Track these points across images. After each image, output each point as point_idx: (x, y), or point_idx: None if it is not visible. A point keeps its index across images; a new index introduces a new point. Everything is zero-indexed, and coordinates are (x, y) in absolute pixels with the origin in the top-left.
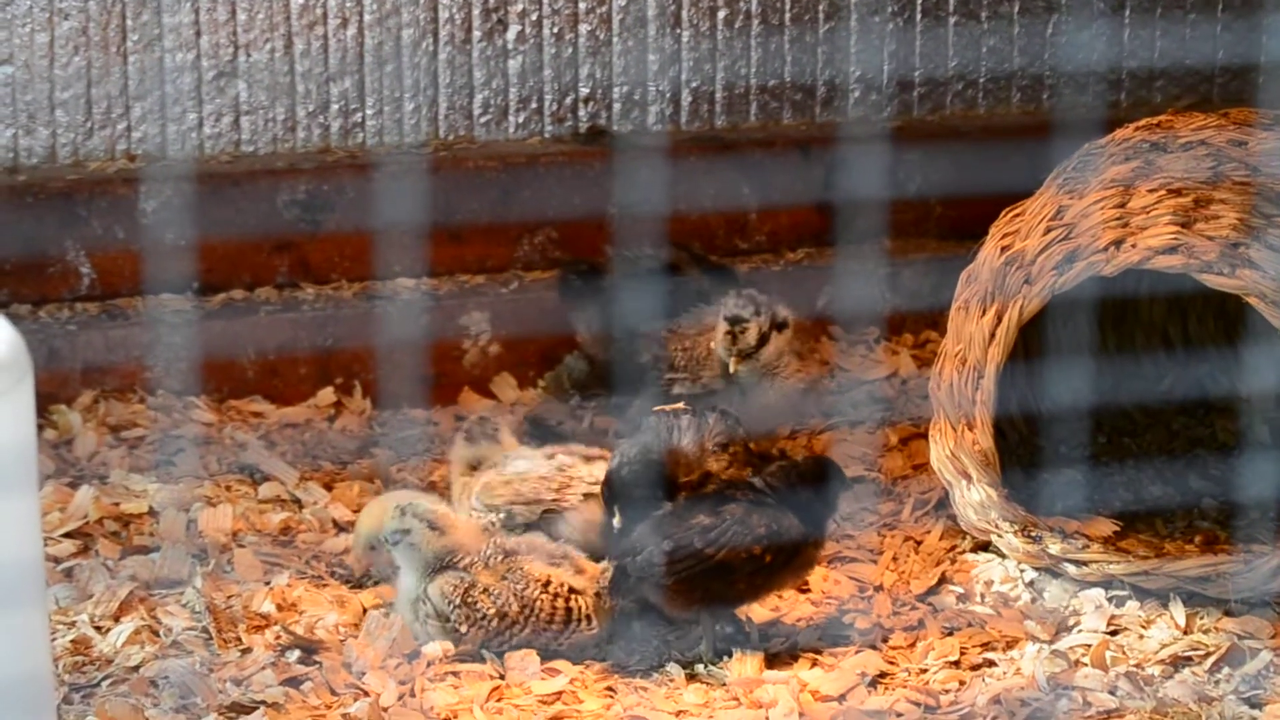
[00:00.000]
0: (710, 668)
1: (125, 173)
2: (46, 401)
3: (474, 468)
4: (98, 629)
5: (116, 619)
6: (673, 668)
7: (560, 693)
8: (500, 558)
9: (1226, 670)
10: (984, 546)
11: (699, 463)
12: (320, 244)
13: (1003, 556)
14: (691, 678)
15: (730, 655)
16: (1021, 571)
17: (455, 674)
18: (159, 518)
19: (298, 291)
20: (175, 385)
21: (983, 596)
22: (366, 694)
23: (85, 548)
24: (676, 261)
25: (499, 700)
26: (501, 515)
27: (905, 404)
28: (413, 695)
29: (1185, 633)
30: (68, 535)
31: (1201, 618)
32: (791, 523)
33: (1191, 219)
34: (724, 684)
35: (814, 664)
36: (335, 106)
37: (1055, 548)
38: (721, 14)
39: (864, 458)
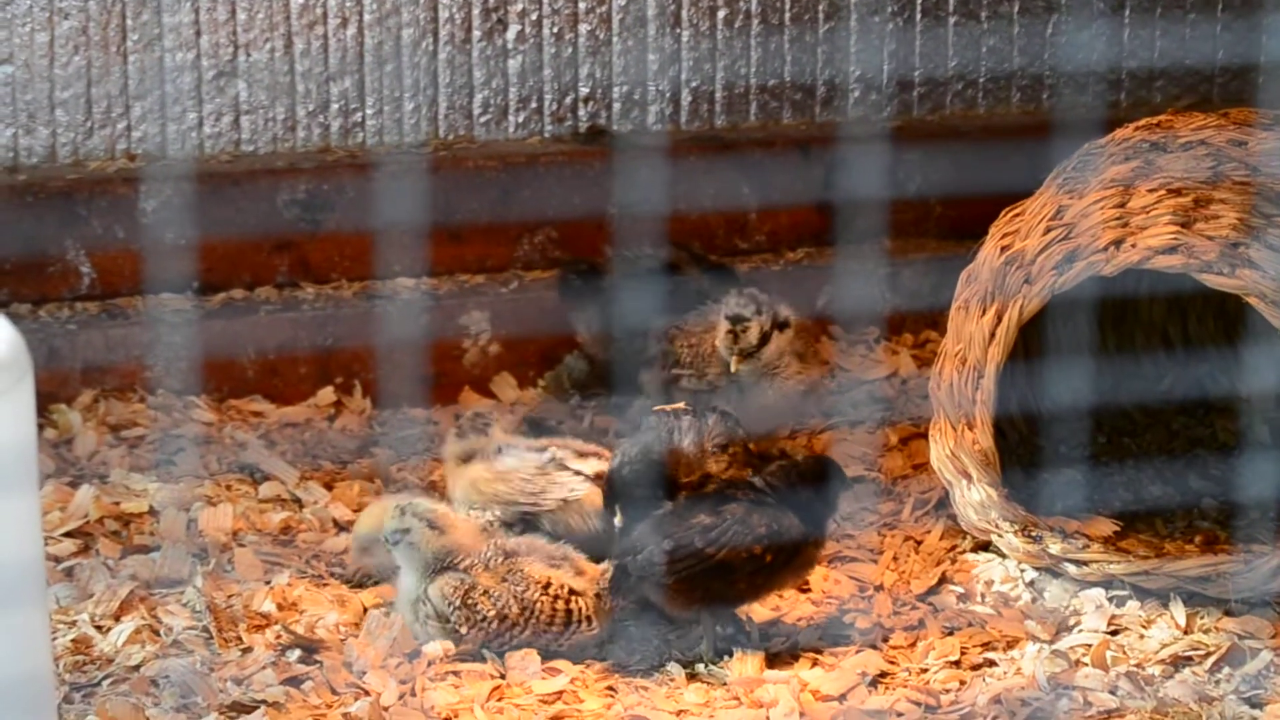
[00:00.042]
0: (711, 667)
1: (125, 172)
2: (47, 401)
3: (466, 460)
4: (98, 628)
5: (117, 618)
6: (673, 667)
7: (561, 692)
8: (500, 559)
9: (1227, 670)
10: (984, 546)
11: (699, 463)
12: (320, 243)
13: (1003, 556)
14: (692, 677)
15: (731, 655)
16: (1022, 571)
17: (456, 673)
18: (159, 517)
19: (298, 291)
20: (175, 384)
21: (983, 596)
22: (367, 693)
23: (86, 547)
24: (676, 261)
25: (499, 700)
26: (495, 513)
27: (905, 404)
28: (413, 695)
29: (1186, 632)
30: (68, 534)
31: (1202, 617)
32: (792, 522)
33: (1191, 219)
34: (724, 683)
35: (814, 663)
36: (335, 106)
37: (1055, 547)
38: (721, 14)
39: (864, 457)
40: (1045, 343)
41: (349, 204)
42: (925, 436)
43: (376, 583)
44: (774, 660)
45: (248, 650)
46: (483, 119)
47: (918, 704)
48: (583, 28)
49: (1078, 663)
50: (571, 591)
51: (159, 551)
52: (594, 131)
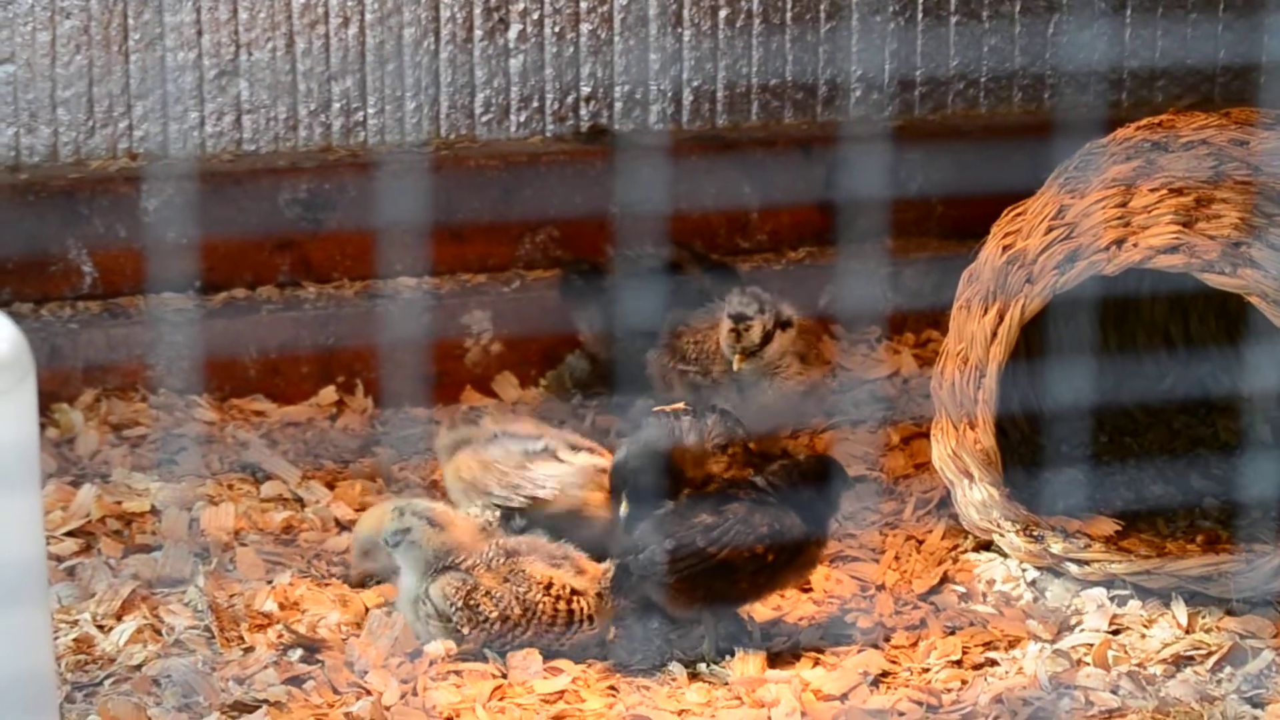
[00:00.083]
0: (712, 667)
1: (127, 171)
2: (48, 400)
3: (456, 451)
4: (100, 628)
5: (119, 618)
6: (675, 667)
7: (562, 692)
8: (502, 559)
9: (1228, 669)
10: (986, 546)
11: (701, 459)
12: (322, 243)
13: (1005, 556)
14: (694, 677)
15: (732, 654)
16: (1023, 571)
17: (458, 673)
18: (161, 516)
19: (299, 290)
20: (177, 384)
21: (985, 596)
22: (369, 693)
23: (87, 546)
24: (678, 260)
25: (501, 699)
26: (476, 506)
27: (907, 403)
28: (415, 694)
29: (1187, 632)
30: (70, 534)
31: (1203, 617)
32: (794, 522)
33: (1193, 218)
34: (726, 683)
35: (816, 663)
36: (337, 105)
37: (1057, 547)
38: (723, 13)
39: (866, 457)
40: (1047, 342)
41: (351, 203)
42: (927, 436)
43: (378, 582)
44: (776, 660)
45: (249, 650)
46: (484, 118)
47: (919, 703)
48: (584, 27)
49: (1079, 662)
50: (573, 591)
51: (161, 551)
52: (595, 131)
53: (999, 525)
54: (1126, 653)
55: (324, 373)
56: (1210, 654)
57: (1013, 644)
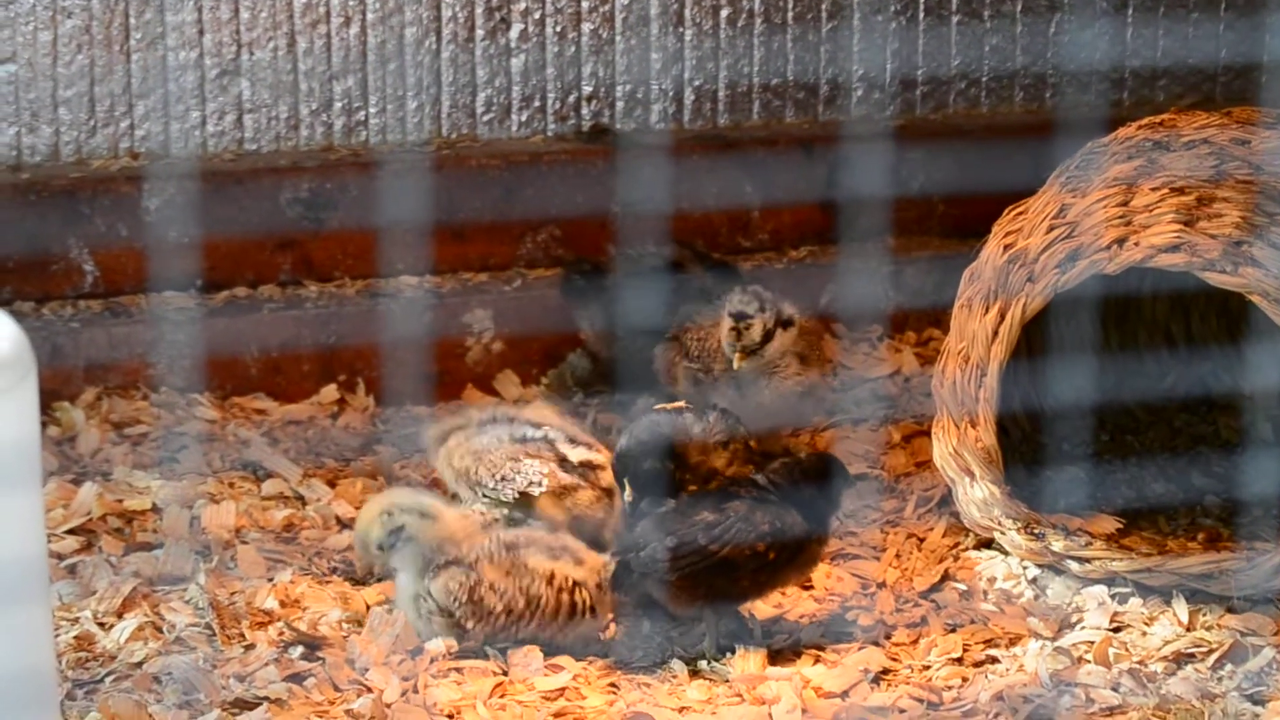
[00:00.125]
0: (713, 664)
1: (128, 170)
2: (50, 398)
3: (444, 440)
4: (101, 625)
5: (120, 615)
6: (676, 664)
7: (563, 689)
8: (503, 553)
9: (1229, 667)
10: (987, 544)
11: (704, 455)
12: (323, 242)
13: (1005, 553)
14: (695, 674)
15: (733, 652)
16: (1024, 568)
17: (458, 670)
18: (162, 514)
19: (301, 289)
20: (178, 382)
21: (986, 593)
22: (370, 690)
23: (88, 544)
24: (679, 259)
25: (502, 696)
26: (464, 493)
27: (908, 401)
28: (416, 691)
29: (1188, 630)
30: (71, 532)
31: (1204, 615)
32: (795, 519)
33: (1194, 217)
34: (727, 680)
35: (817, 660)
36: (338, 105)
37: (1058, 545)
38: (724, 12)
39: (867, 455)
40: (1048, 341)
41: (352, 202)
42: (928, 434)
43: (380, 579)
44: (776, 657)
45: (250, 647)
46: (486, 117)
47: (920, 701)
48: (586, 27)
49: (1080, 660)
50: (575, 583)
51: (162, 549)
52: (597, 130)
53: (1000, 523)
54: (1127, 650)
55: (325, 371)
56: (1211, 651)
57: (1014, 641)
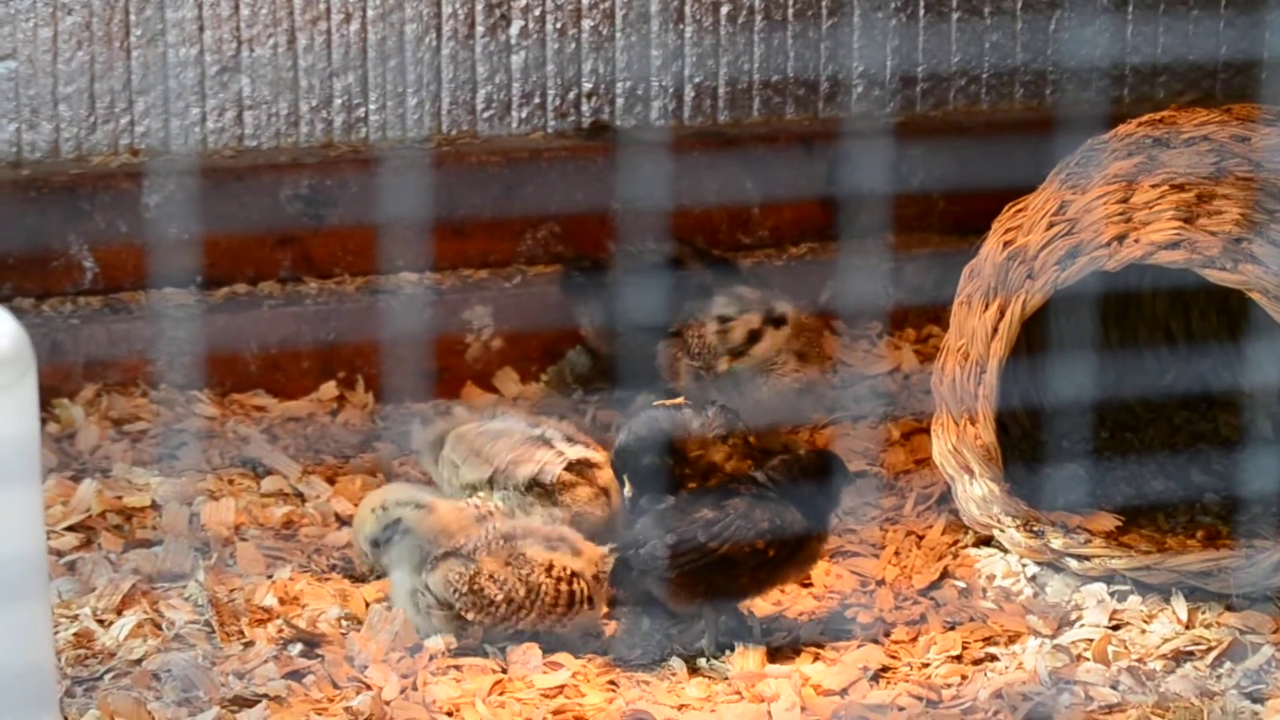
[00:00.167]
0: (712, 662)
1: (128, 167)
2: (49, 395)
3: (439, 444)
4: (100, 622)
5: (119, 612)
6: (675, 661)
7: (562, 686)
8: (501, 543)
9: (1228, 665)
10: (986, 541)
11: (703, 450)
12: (323, 238)
13: (1005, 551)
14: (694, 671)
15: (732, 649)
16: (1023, 566)
17: (457, 668)
18: (161, 511)
19: (300, 286)
20: (178, 379)
21: (985, 591)
22: (369, 687)
23: (88, 541)
24: (679, 256)
25: (501, 694)
26: (469, 475)
27: (908, 399)
28: (415, 689)
29: (1187, 627)
30: (70, 529)
31: (1203, 613)
32: (795, 517)
33: (1194, 214)
34: (726, 678)
35: (816, 658)
36: (338, 101)
37: (1057, 542)
38: (724, 9)
39: (866, 452)
40: (1048, 338)
41: (352, 199)
42: (927, 431)
43: (379, 576)
44: (776, 655)
45: (249, 644)
46: (486, 114)
47: (919, 698)
48: (586, 23)
49: (1079, 657)
50: (573, 574)
51: (161, 546)
52: (597, 127)
53: (999, 520)
54: (1126, 648)
55: (325, 368)
56: (1210, 649)
57: (1013, 639)
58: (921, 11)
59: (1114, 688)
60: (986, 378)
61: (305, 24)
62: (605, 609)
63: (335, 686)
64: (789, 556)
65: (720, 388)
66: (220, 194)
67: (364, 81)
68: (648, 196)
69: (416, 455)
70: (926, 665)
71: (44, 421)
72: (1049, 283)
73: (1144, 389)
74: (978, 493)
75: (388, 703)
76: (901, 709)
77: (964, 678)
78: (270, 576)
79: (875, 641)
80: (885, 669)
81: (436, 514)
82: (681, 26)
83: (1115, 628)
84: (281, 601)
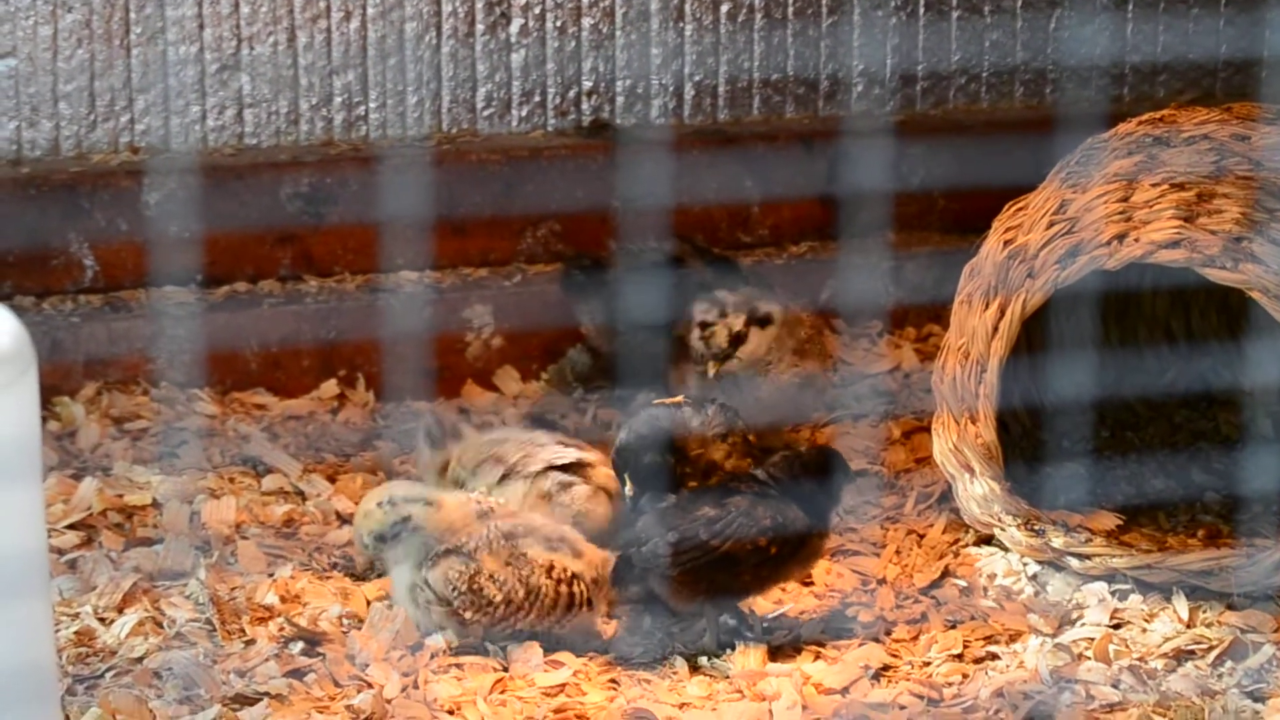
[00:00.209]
0: (714, 660)
1: (128, 165)
2: (50, 393)
3: (444, 469)
4: (101, 620)
5: (120, 610)
6: (676, 660)
7: (563, 685)
8: (502, 542)
9: (1229, 664)
10: (987, 540)
11: (703, 444)
12: (323, 237)
13: (1005, 550)
14: (695, 670)
15: (733, 648)
16: (1024, 565)
17: (458, 666)
18: (162, 509)
19: (301, 284)
20: (178, 377)
21: (986, 590)
22: (370, 685)
23: (89, 539)
24: (679, 254)
25: (502, 692)
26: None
27: (908, 397)
28: (416, 687)
29: (1188, 626)
30: (71, 527)
31: (1204, 611)
32: (796, 514)
33: (1194, 213)
34: (727, 676)
35: (817, 657)
36: (338, 100)
37: (1058, 541)
38: (724, 8)
39: (867, 451)
40: (1048, 337)
41: (352, 197)
42: (928, 430)
43: (380, 574)
44: (777, 653)
45: (251, 642)
46: (486, 113)
47: (920, 697)
48: (586, 22)
49: (1080, 656)
50: (573, 575)
51: (162, 544)
52: (597, 125)
53: (1000, 519)
54: (1127, 647)
55: (325, 366)
56: (1211, 648)
57: (1014, 638)
58: (922, 10)
59: (1115, 686)
60: (987, 376)
61: (305, 22)
62: (605, 610)
63: (336, 685)
64: (791, 554)
65: (722, 387)
66: (220, 192)
67: (364, 79)
68: (648, 195)
69: (421, 474)
70: (928, 664)
71: (45, 420)
72: (1049, 281)
73: (1144, 388)
74: (978, 491)
75: (389, 701)
76: (902, 708)
77: (965, 676)
78: (271, 575)
79: (876, 640)
80: (886, 668)
81: (444, 510)
82: (681, 25)
83: (1116, 626)
84: (282, 600)
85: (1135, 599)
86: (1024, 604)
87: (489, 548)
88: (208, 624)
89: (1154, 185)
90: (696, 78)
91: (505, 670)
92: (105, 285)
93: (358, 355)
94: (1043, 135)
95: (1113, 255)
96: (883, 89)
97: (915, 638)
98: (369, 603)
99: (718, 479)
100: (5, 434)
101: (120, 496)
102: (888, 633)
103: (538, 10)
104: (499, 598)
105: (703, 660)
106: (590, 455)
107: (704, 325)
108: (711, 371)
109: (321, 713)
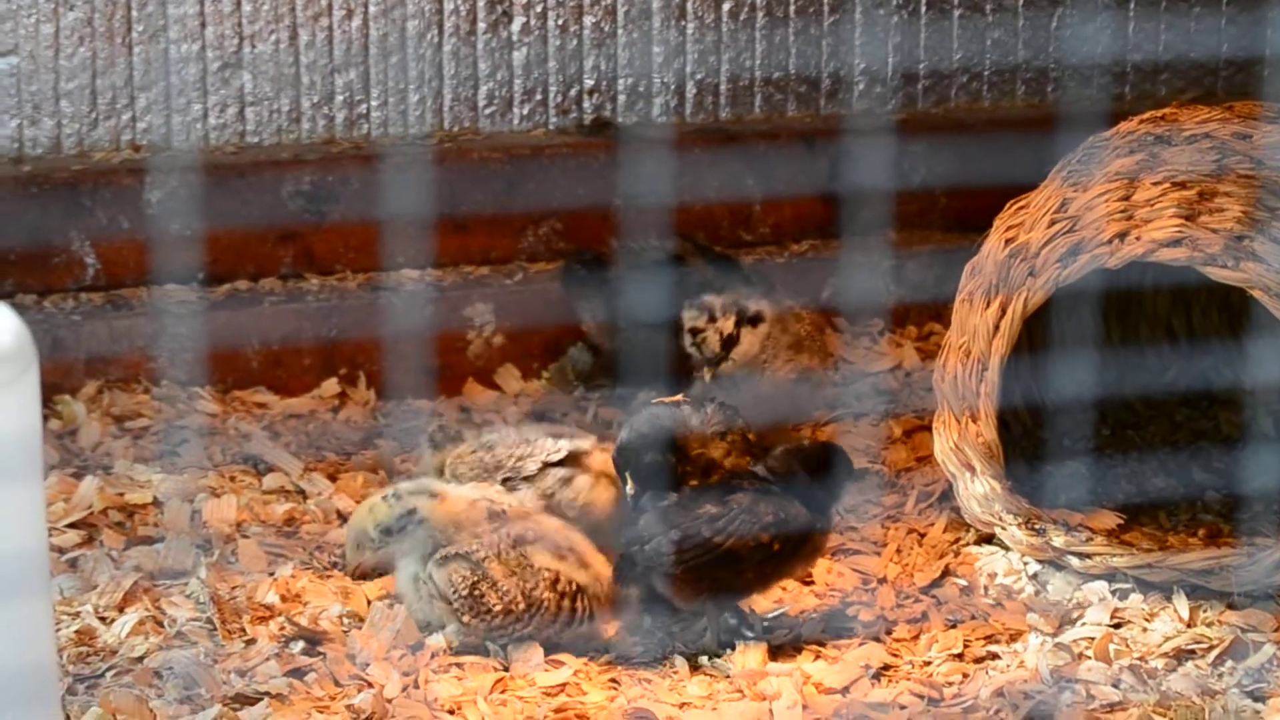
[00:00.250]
0: (714, 659)
1: (130, 163)
2: (51, 392)
3: (443, 471)
4: (102, 619)
5: (121, 609)
6: (677, 659)
7: (564, 685)
8: (510, 550)
9: (1230, 663)
10: (987, 539)
11: (703, 447)
12: (325, 235)
13: (1006, 549)
14: (695, 669)
15: (734, 647)
16: (1025, 564)
17: (459, 665)
18: (163, 508)
19: (302, 282)
20: (180, 376)
21: (986, 589)
22: (370, 685)
23: (90, 538)
24: (681, 253)
25: (503, 692)
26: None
27: (909, 396)
28: (416, 686)
29: (1188, 626)
30: (72, 525)
31: (1205, 611)
32: (799, 510)
33: (1196, 212)
34: (728, 676)
35: (817, 656)
36: (340, 98)
37: (1059, 540)
38: (726, 6)
39: (868, 450)
40: (1049, 335)
41: (354, 195)
42: (929, 429)
43: (381, 574)
44: (777, 653)
45: (251, 642)
46: (487, 111)
47: (921, 696)
48: (588, 20)
49: (1080, 655)
50: (577, 588)
51: (163, 543)
52: (599, 124)
53: (1001, 518)
54: (1128, 646)
55: (326, 365)
56: (1211, 648)
57: (1014, 637)
58: (923, 8)
59: (1115, 686)
60: (988, 375)
61: (307, 20)
62: (609, 623)
63: (337, 684)
64: (794, 550)
65: (721, 387)
66: (222, 190)
67: (366, 78)
68: (649, 193)
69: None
70: (928, 663)
71: (46, 418)
72: (1050, 280)
73: (1145, 386)
74: (979, 490)
75: (389, 700)
76: (903, 707)
77: (965, 676)
78: (272, 574)
79: (877, 639)
80: (887, 667)
81: (448, 502)
82: (683, 23)
83: (1117, 626)
84: (283, 599)
85: (1136, 598)
86: (1024, 603)
87: (498, 556)
88: (208, 623)
89: (1155, 184)
90: (698, 76)
91: (506, 670)
92: (107, 283)
93: (359, 353)
94: (1044, 134)
95: (1114, 254)
96: (884, 87)
97: (916, 637)
98: (369, 602)
99: (718, 477)
100: (6, 432)
101: (121, 495)
102: (888, 632)
103: (539, 8)
104: (498, 607)
105: (703, 660)
106: (584, 442)
107: (694, 331)
108: (708, 377)
109: (322, 712)
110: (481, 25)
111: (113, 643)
